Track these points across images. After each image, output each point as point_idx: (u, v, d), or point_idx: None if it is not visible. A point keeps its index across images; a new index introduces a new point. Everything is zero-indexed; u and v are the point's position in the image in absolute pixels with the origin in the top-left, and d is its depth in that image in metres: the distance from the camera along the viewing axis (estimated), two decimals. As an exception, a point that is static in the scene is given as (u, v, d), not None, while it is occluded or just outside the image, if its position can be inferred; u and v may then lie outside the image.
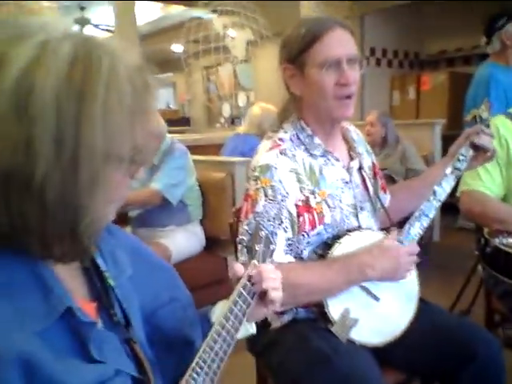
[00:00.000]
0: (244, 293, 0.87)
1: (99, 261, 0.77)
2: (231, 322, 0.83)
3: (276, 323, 1.34)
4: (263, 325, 1.33)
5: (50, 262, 0.66)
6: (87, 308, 0.70)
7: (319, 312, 1.28)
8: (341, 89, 1.26)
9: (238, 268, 0.90)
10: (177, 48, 9.02)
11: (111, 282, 0.77)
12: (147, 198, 2.57)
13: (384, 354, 1.28)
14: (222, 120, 9.91)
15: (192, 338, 0.88)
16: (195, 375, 0.76)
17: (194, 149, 2.97)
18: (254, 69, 6.23)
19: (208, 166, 3.05)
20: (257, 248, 0.96)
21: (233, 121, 9.50)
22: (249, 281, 0.88)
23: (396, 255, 1.26)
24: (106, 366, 0.67)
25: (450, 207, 2.02)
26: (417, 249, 1.30)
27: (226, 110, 9.44)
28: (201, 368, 0.77)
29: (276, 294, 0.90)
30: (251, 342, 1.43)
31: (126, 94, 0.62)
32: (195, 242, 2.76)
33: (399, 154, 3.68)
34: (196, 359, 0.77)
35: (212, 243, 2.85)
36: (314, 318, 1.31)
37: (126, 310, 0.77)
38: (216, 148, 3.86)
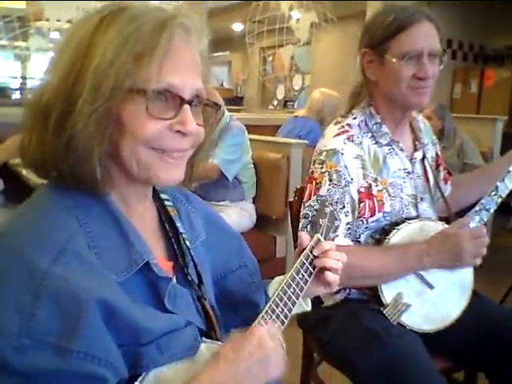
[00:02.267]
0: (306, 263, 0.91)
1: (178, 224, 0.84)
2: (293, 288, 0.87)
3: (328, 301, 1.39)
4: (315, 301, 1.40)
5: (130, 217, 0.73)
6: (164, 265, 0.76)
7: (372, 294, 1.32)
8: (417, 82, 1.27)
9: (304, 238, 0.93)
10: (237, 27, 9.05)
11: (188, 243, 0.83)
12: (205, 172, 2.66)
13: (433, 341, 1.31)
14: (275, 102, 9.92)
15: (257, 301, 0.94)
16: None
17: (249, 128, 3.03)
18: (313, 52, 6.20)
19: (264, 146, 3.10)
20: (321, 222, 1.00)
21: (285, 103, 9.49)
22: (311, 253, 0.92)
23: (458, 241, 1.25)
24: (178, 317, 0.73)
25: (504, 207, 2.00)
26: (483, 231, 1.27)
27: (281, 92, 9.44)
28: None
29: (334, 276, 0.92)
30: (301, 317, 1.48)
31: (137, 31, 0.66)
32: (246, 219, 2.84)
33: (457, 147, 3.62)
34: (258, 319, 0.82)
35: (262, 222, 2.92)
36: (366, 299, 1.35)
37: (199, 271, 0.84)
38: (270, 129, 3.90)
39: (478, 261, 1.28)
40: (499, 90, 5.96)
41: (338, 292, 1.37)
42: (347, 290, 1.37)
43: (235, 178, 2.79)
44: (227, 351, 0.69)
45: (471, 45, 6.70)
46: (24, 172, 2.66)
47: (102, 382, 0.60)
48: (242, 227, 2.77)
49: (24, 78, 11.28)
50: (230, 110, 3.15)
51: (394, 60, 1.26)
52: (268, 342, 0.71)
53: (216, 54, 11.58)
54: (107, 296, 0.62)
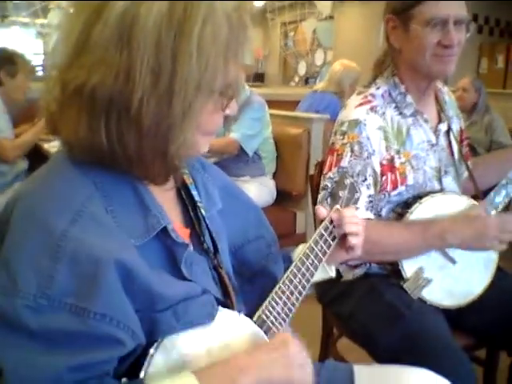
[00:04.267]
0: (325, 234, 0.91)
1: (193, 192, 0.83)
2: (311, 260, 0.88)
3: (348, 275, 1.38)
4: (335, 276, 1.39)
5: (147, 184, 0.72)
6: (181, 232, 0.76)
7: (392, 268, 1.30)
8: (442, 49, 1.23)
9: (321, 210, 0.93)
10: (257, 3, 8.92)
11: (203, 211, 0.82)
12: (225, 146, 2.65)
13: (455, 317, 1.29)
14: (297, 79, 9.79)
15: (274, 272, 0.93)
16: (274, 303, 0.81)
17: (270, 103, 3.00)
18: (335, 26, 6.09)
19: (285, 120, 3.07)
20: (340, 194, 0.98)
21: (307, 80, 9.37)
22: (331, 223, 0.92)
23: (483, 227, 1.23)
24: (194, 284, 0.72)
25: None
26: (510, 219, 1.25)
27: (302, 68, 9.31)
28: (279, 298, 0.82)
29: (356, 240, 0.92)
30: (321, 291, 1.47)
31: (221, 30, 0.65)
32: (266, 195, 2.83)
33: (485, 123, 3.54)
34: (275, 289, 0.82)
35: (283, 198, 2.91)
36: (386, 274, 1.33)
37: (214, 239, 0.83)
38: (291, 104, 3.85)
39: (503, 246, 1.26)
40: (527, 65, 5.80)
41: (357, 266, 1.36)
42: (367, 265, 1.36)
43: (255, 153, 2.77)
44: (252, 347, 0.72)
45: (497, 20, 6.50)
46: (46, 146, 2.70)
47: (119, 345, 0.60)
48: (262, 202, 2.76)
49: (46, 54, 11.36)
50: (251, 87, 3.12)
51: (419, 27, 1.22)
52: (293, 342, 0.72)
53: (252, 14, 11.42)
54: (125, 258, 0.62)
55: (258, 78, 9.99)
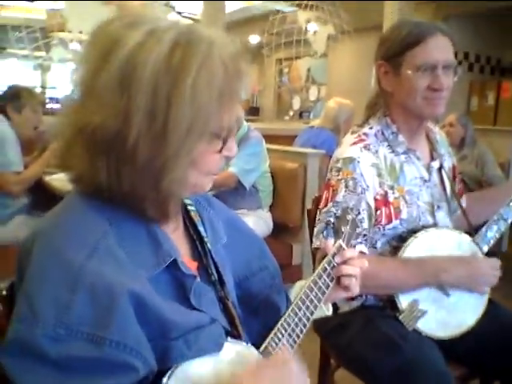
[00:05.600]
0: (328, 268, 0.94)
1: (200, 228, 0.88)
2: (315, 292, 0.91)
3: (344, 307, 1.42)
4: (332, 308, 1.42)
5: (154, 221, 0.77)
6: (190, 265, 0.80)
7: (388, 300, 1.34)
8: (432, 93, 1.31)
9: (328, 244, 0.97)
10: (254, 39, 9.15)
11: (209, 246, 0.87)
12: (223, 179, 2.71)
13: (450, 348, 1.32)
14: (291, 113, 9.96)
15: (278, 304, 0.97)
16: (279, 335, 0.85)
17: (266, 138, 3.08)
18: (329, 63, 6.27)
19: (281, 155, 3.15)
20: (343, 230, 1.03)
21: (301, 114, 9.53)
22: (333, 259, 0.95)
23: (477, 270, 1.32)
24: (203, 314, 0.77)
25: None
26: (498, 263, 1.35)
27: (296, 102, 9.49)
28: (285, 330, 0.86)
29: (352, 282, 0.95)
30: (319, 323, 1.50)
31: (216, 77, 0.70)
32: (263, 227, 2.88)
33: (476, 157, 3.65)
34: (281, 321, 0.86)
35: (279, 230, 2.96)
36: (382, 306, 1.37)
37: (220, 272, 0.87)
38: (287, 139, 3.94)
39: (488, 289, 1.37)
40: (517, 103, 5.94)
41: (354, 299, 1.40)
42: (363, 297, 1.40)
43: (252, 186, 2.84)
44: (255, 364, 0.75)
45: (488, 57, 6.69)
46: (47, 178, 2.74)
47: (133, 371, 0.63)
48: (259, 235, 2.80)
49: (43, 87, 11.51)
50: (246, 120, 3.21)
51: (410, 72, 1.30)
52: (293, 363, 0.76)
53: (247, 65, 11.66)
54: (138, 289, 0.66)
55: (253, 112, 10.16)
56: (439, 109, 1.33)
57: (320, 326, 1.51)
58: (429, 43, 1.28)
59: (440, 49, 1.30)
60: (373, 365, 1.28)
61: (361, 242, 1.32)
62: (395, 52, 1.33)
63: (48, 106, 9.25)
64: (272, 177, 2.99)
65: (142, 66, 0.67)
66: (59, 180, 2.53)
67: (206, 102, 0.69)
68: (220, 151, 0.76)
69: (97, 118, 0.67)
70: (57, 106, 8.65)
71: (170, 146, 0.68)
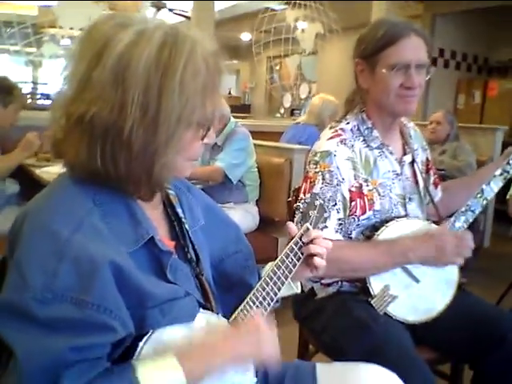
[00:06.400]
0: (295, 248, 1.02)
1: (178, 210, 0.96)
2: (282, 270, 0.99)
3: (321, 293, 1.49)
4: (309, 294, 1.50)
5: (138, 202, 0.84)
6: (167, 243, 0.88)
7: (361, 286, 1.42)
8: (405, 91, 1.37)
9: (292, 227, 1.05)
10: (245, 36, 9.21)
11: (187, 227, 0.95)
12: (210, 174, 2.78)
13: (420, 333, 1.40)
14: (282, 110, 10.04)
15: (250, 283, 1.05)
16: (248, 307, 0.93)
17: (255, 134, 3.16)
18: (319, 61, 6.34)
19: (268, 151, 3.22)
20: (310, 214, 1.11)
21: (292, 112, 9.61)
22: (300, 239, 1.03)
23: (442, 240, 1.36)
24: (178, 287, 0.84)
25: (505, 215, 2.09)
26: (467, 234, 1.37)
27: (287, 100, 9.56)
28: (253, 303, 0.94)
29: (319, 261, 1.03)
30: (297, 310, 1.58)
31: (200, 72, 0.79)
32: (249, 221, 2.95)
33: (454, 149, 3.81)
34: (250, 295, 0.95)
35: (265, 224, 3.03)
36: (356, 292, 1.45)
37: (196, 250, 0.95)
38: (275, 135, 4.02)
39: (460, 260, 1.38)
40: (503, 101, 6.05)
41: (330, 285, 1.47)
42: (339, 283, 1.47)
43: (239, 180, 2.91)
44: (225, 326, 0.85)
45: (475, 56, 6.80)
46: (37, 171, 2.79)
47: (112, 332, 0.71)
48: (245, 228, 2.87)
49: (35, 82, 11.50)
50: (237, 118, 3.28)
51: (384, 70, 1.37)
52: (263, 325, 0.85)
53: (225, 62, 11.73)
54: (118, 260, 0.74)
55: (245, 110, 10.23)
56: (411, 106, 1.40)
57: (298, 311, 1.58)
58: (402, 44, 1.35)
59: (413, 49, 1.36)
60: (345, 347, 1.34)
61: (337, 232, 1.40)
62: (371, 51, 1.39)
63: (39, 101, 9.27)
64: (259, 171, 3.07)
65: (135, 62, 0.75)
66: (49, 173, 2.59)
67: (192, 94, 0.78)
68: (202, 139, 0.85)
69: (94, 109, 0.74)
70: (47, 101, 8.65)
71: (162, 135, 0.76)
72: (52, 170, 2.60)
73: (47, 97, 9.33)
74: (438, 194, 1.70)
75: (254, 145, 3.05)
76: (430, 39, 1.42)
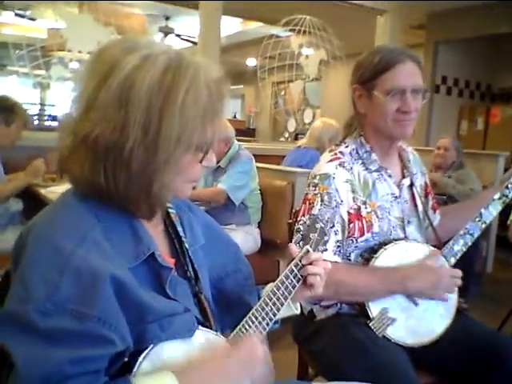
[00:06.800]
0: (295, 270, 1.03)
1: (179, 228, 0.98)
2: (281, 291, 1.00)
3: (321, 315, 1.50)
4: (309, 316, 1.51)
5: (138, 219, 0.86)
6: (167, 260, 0.90)
7: (360, 308, 1.42)
8: (401, 115, 1.41)
9: (293, 249, 1.07)
10: (251, 62, 9.35)
11: (187, 245, 0.97)
12: (213, 195, 2.81)
13: (419, 356, 1.40)
14: (287, 134, 10.10)
15: (249, 302, 1.06)
16: (247, 326, 0.94)
17: (258, 157, 3.20)
18: (323, 87, 6.42)
19: (271, 174, 3.25)
20: (311, 236, 1.13)
21: (296, 136, 9.67)
22: (300, 261, 1.05)
23: (437, 276, 1.39)
24: (178, 304, 0.86)
25: (507, 242, 2.09)
26: (459, 273, 1.42)
27: (292, 125, 9.63)
28: (252, 322, 0.95)
29: (317, 280, 1.04)
30: (296, 332, 1.59)
31: (201, 98, 0.81)
32: (251, 243, 2.97)
33: (458, 175, 3.83)
34: (249, 315, 0.96)
35: (267, 246, 3.05)
36: (355, 314, 1.45)
37: (196, 269, 0.97)
38: (278, 159, 4.05)
39: (447, 297, 1.42)
40: (505, 128, 6.09)
41: (329, 307, 1.48)
42: (338, 305, 1.48)
43: (242, 203, 2.94)
44: (223, 349, 0.85)
45: (478, 83, 6.87)
46: (43, 191, 2.82)
47: (111, 345, 0.72)
48: (247, 250, 2.89)
49: (43, 104, 11.67)
50: (241, 141, 3.32)
51: (381, 96, 1.40)
52: (258, 349, 0.86)
53: (230, 88, 11.90)
54: (119, 274, 0.76)
55: (250, 134, 10.31)
56: (408, 130, 1.43)
57: (297, 333, 1.59)
58: (398, 69, 1.39)
59: (409, 75, 1.40)
60: (343, 369, 1.34)
61: (335, 254, 1.42)
62: (368, 77, 1.43)
63: (46, 123, 9.39)
64: (261, 194, 3.09)
65: (139, 85, 0.78)
66: (54, 193, 2.62)
67: (192, 118, 0.80)
68: (201, 161, 0.87)
69: (98, 129, 0.78)
70: (54, 123, 8.76)
71: (161, 155, 0.79)
72: (57, 190, 2.63)
73: (54, 118, 9.46)
74: (436, 218, 1.71)
75: (258, 168, 3.08)
76: (421, 63, 1.46)
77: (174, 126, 0.78)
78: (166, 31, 7.53)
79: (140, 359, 0.76)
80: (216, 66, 0.88)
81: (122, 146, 0.77)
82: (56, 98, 11.45)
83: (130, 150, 0.77)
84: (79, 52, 5.00)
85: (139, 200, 0.82)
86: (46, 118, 10.37)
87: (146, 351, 0.77)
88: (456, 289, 1.43)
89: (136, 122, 0.77)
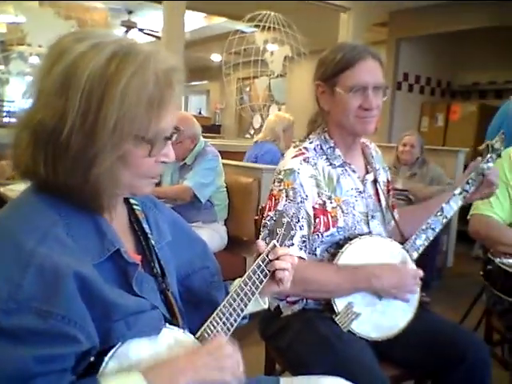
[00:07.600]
0: (262, 265, 1.04)
1: (145, 225, 0.96)
2: (249, 287, 1.01)
3: (287, 311, 1.50)
4: (275, 312, 1.51)
5: (103, 214, 0.84)
6: (133, 256, 0.88)
7: (326, 303, 1.44)
8: (363, 112, 1.43)
9: (260, 244, 1.07)
10: (216, 58, 9.30)
11: (153, 242, 0.95)
12: (179, 193, 2.78)
13: (383, 349, 1.43)
14: (252, 131, 10.11)
15: (217, 299, 1.05)
16: (215, 323, 0.94)
17: (224, 154, 3.19)
18: (288, 83, 6.45)
19: (237, 170, 3.25)
20: (278, 231, 1.13)
21: (262, 132, 9.70)
22: (267, 256, 1.05)
23: (401, 276, 1.42)
24: (144, 301, 0.84)
25: (467, 236, 2.14)
26: (421, 274, 1.45)
27: (257, 121, 9.64)
28: (220, 318, 0.94)
29: (283, 274, 1.05)
30: (263, 327, 1.59)
31: (147, 85, 0.79)
32: (218, 240, 2.95)
33: (425, 174, 3.92)
34: (216, 311, 0.95)
35: (234, 243, 3.04)
36: (321, 309, 1.46)
37: (162, 266, 0.95)
38: (243, 155, 4.06)
39: (409, 298, 1.45)
40: (465, 124, 6.24)
41: (295, 302, 1.49)
42: (304, 301, 1.49)
43: (208, 200, 2.92)
44: (191, 346, 0.84)
45: (439, 81, 7.02)
46: (1, 189, 2.74)
47: (76, 343, 0.71)
48: (214, 248, 2.87)
49: (1, 100, 11.31)
50: (207, 138, 3.30)
51: (343, 92, 1.42)
52: (226, 347, 0.86)
53: (195, 83, 11.83)
54: (83, 271, 0.74)
55: (215, 130, 10.27)
56: (370, 126, 1.45)
57: (264, 330, 1.59)
58: (360, 67, 1.41)
59: (370, 72, 1.42)
60: (309, 364, 1.35)
61: (301, 249, 1.42)
62: (330, 74, 1.44)
63: (5, 119, 9.11)
64: (227, 191, 3.08)
65: (81, 72, 0.76)
66: (13, 190, 2.55)
67: (134, 104, 0.78)
68: (149, 155, 0.83)
69: (38, 116, 0.76)
70: (13, 119, 8.51)
71: (98, 142, 0.76)
72: (16, 188, 2.57)
73: (13, 114, 9.18)
74: (395, 216, 1.73)
75: (223, 165, 3.07)
76: (382, 61, 1.48)
77: (113, 113, 0.76)
78: (129, 25, 7.39)
79: (106, 359, 0.74)
80: (172, 56, 0.85)
81: (60, 133, 0.75)
82: (15, 94, 11.11)
83: (67, 136, 0.75)
84: (39, 46, 4.87)
85: (81, 190, 0.79)
86: (4, 114, 10.05)
87: (113, 350, 0.75)
88: (418, 288, 1.46)
89: (75, 108, 0.75)
